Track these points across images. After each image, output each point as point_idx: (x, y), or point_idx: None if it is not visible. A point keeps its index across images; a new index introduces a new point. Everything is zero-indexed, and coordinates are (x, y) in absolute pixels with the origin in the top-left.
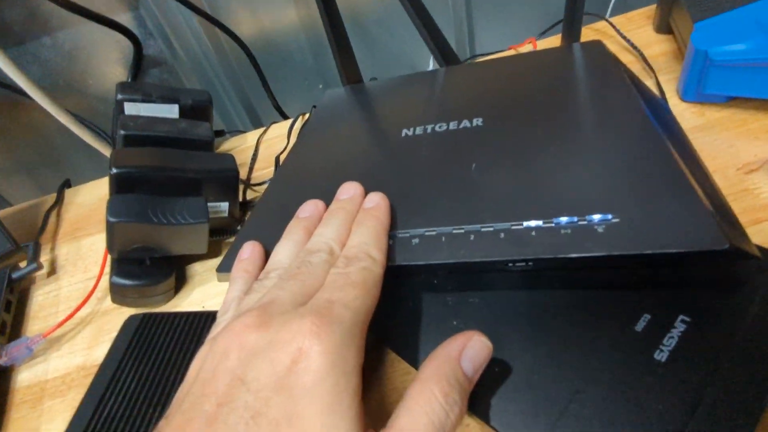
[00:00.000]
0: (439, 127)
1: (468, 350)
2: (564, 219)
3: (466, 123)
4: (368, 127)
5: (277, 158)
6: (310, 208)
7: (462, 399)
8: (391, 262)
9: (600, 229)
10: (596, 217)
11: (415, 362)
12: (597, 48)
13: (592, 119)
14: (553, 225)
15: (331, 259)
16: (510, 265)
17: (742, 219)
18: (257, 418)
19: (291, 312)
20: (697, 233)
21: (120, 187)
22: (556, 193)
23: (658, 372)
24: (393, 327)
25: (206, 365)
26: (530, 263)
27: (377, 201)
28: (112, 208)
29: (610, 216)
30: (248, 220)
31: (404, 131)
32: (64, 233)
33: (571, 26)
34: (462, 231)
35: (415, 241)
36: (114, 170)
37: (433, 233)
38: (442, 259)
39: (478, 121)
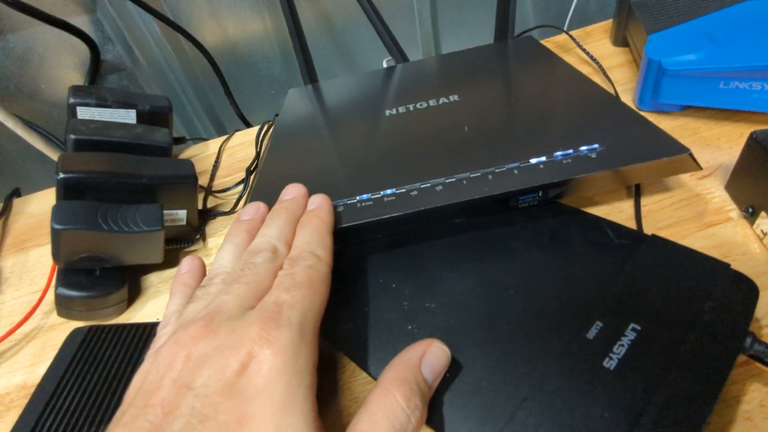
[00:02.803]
0: (420, 105)
1: (427, 357)
2: (560, 153)
3: (443, 99)
4: (352, 112)
5: (248, 169)
6: (251, 210)
7: (423, 404)
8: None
9: (593, 155)
10: (585, 148)
11: (369, 368)
12: (531, 39)
13: (551, 85)
14: (554, 159)
15: (275, 258)
16: (520, 199)
17: (695, 223)
18: (206, 423)
19: (239, 318)
20: (663, 147)
21: (67, 193)
22: (548, 137)
23: (606, 380)
24: (348, 332)
25: (150, 377)
26: (540, 193)
27: (319, 202)
28: (57, 214)
29: (597, 145)
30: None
31: (387, 112)
32: (10, 244)
33: (505, 26)
34: (478, 174)
35: (439, 188)
36: (61, 175)
37: (453, 179)
38: (466, 196)
39: (454, 97)
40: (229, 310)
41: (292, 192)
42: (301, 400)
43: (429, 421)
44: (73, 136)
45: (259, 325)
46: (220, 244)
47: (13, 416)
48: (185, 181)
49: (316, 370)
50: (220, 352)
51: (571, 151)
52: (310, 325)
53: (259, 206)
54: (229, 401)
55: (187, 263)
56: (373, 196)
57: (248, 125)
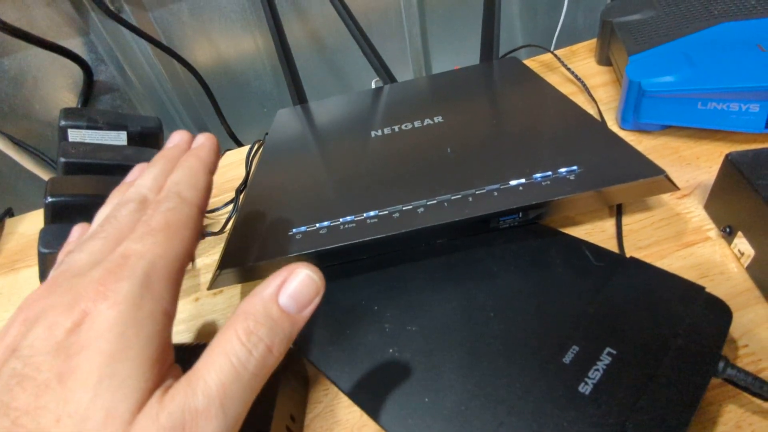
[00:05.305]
0: (405, 126)
1: (289, 285)
2: (539, 175)
3: (428, 121)
4: (338, 133)
5: (238, 189)
6: (136, 171)
7: (272, 336)
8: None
9: (571, 177)
10: (563, 170)
11: (350, 392)
12: (516, 61)
13: (534, 107)
14: (534, 180)
15: (142, 209)
16: (501, 220)
17: (675, 243)
18: (24, 383)
19: (82, 275)
20: (640, 169)
21: (55, 216)
22: (527, 159)
23: (581, 405)
24: (330, 355)
25: None
26: (520, 215)
27: (201, 141)
28: (44, 238)
29: (575, 167)
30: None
31: (373, 133)
32: (1, 264)
33: (490, 47)
34: (459, 196)
35: (420, 209)
36: (48, 199)
37: (434, 201)
38: (449, 218)
39: (438, 119)
40: (74, 269)
41: (175, 139)
42: (137, 348)
43: None
44: (63, 159)
45: (98, 278)
46: (209, 264)
47: None
48: None
49: (171, 320)
50: (52, 310)
51: (550, 173)
52: (159, 272)
53: (143, 167)
54: (54, 360)
55: (74, 232)
56: (356, 218)
57: (239, 144)
